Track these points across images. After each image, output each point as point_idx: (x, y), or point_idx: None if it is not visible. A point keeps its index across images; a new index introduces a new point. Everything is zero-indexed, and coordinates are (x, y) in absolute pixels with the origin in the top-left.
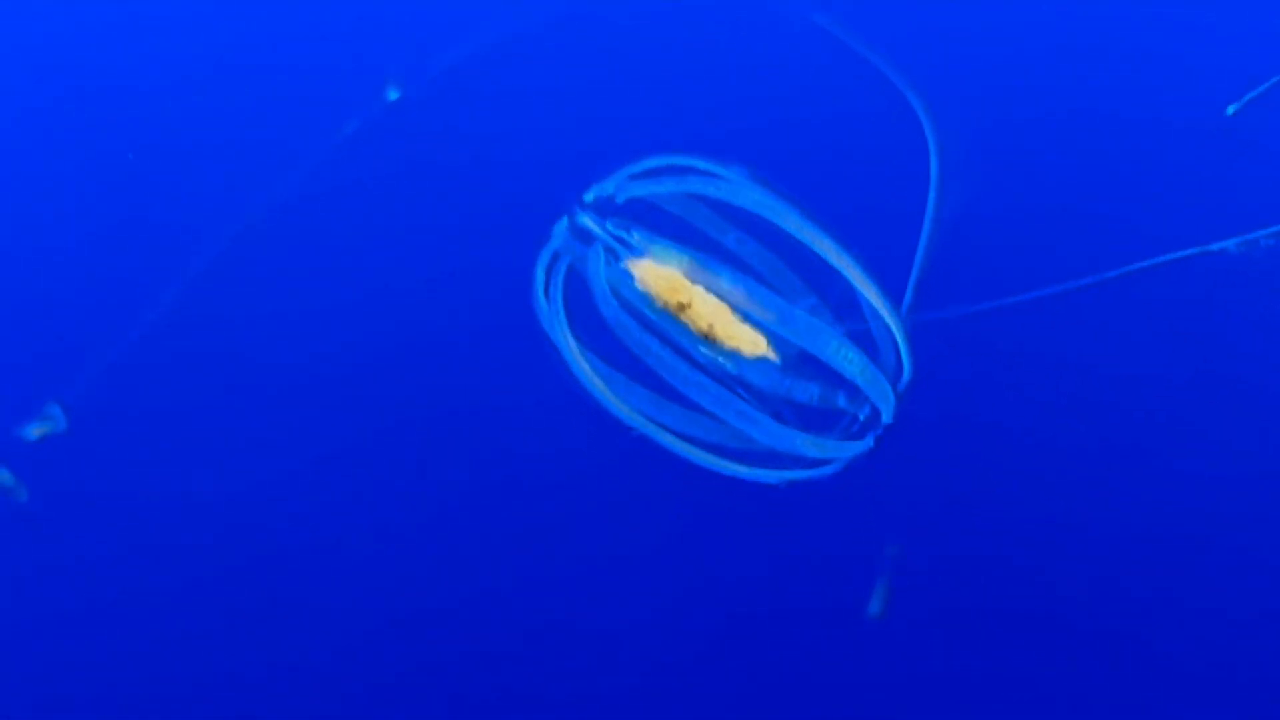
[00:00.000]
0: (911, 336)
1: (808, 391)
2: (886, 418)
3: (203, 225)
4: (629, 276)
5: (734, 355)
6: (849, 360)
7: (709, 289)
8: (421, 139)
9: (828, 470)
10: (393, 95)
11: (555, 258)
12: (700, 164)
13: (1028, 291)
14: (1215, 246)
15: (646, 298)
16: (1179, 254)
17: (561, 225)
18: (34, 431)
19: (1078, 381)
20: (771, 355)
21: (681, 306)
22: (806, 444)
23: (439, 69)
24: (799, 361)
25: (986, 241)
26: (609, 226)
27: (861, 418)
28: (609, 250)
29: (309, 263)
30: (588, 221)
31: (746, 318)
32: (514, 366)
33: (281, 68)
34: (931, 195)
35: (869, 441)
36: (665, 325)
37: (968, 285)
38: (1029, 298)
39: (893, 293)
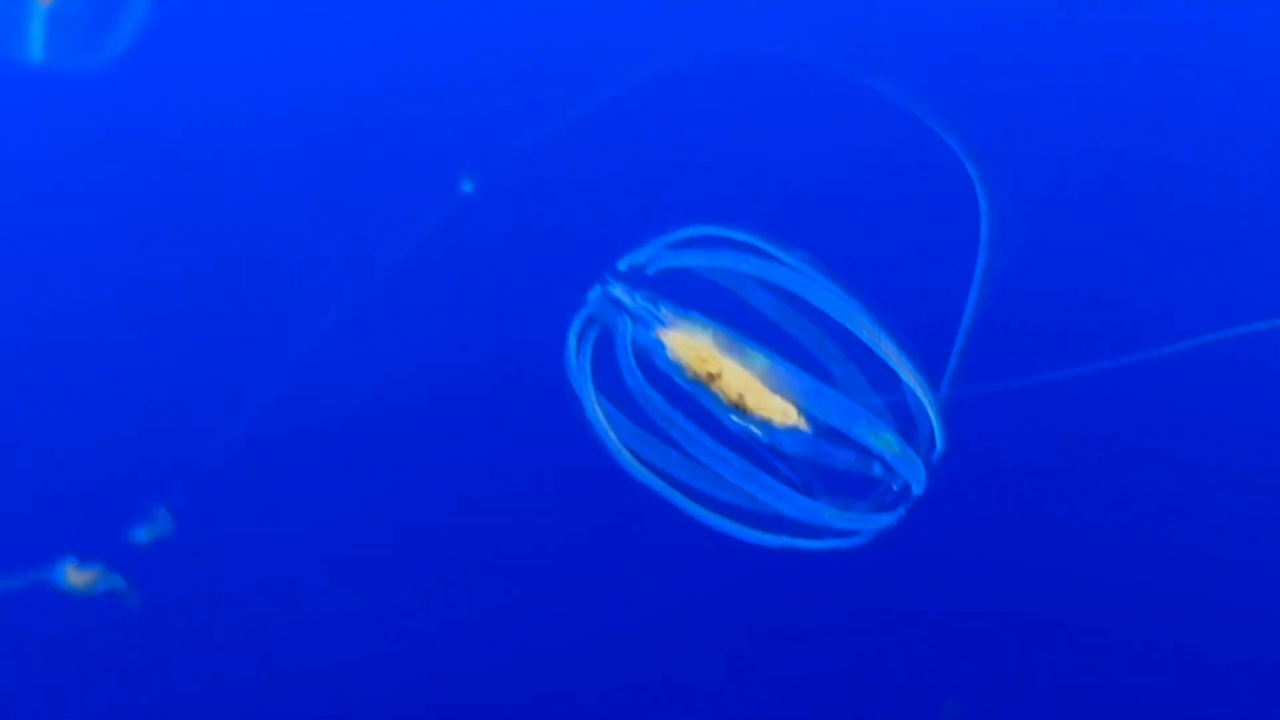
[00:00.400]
0: (948, 409)
1: (843, 459)
2: (917, 490)
3: (280, 331)
4: (661, 346)
5: (765, 424)
6: (879, 438)
7: (739, 360)
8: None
9: (856, 541)
10: (467, 188)
11: (588, 324)
12: (738, 235)
13: (1074, 366)
14: None
15: (678, 367)
16: (1241, 329)
17: (595, 293)
18: (143, 535)
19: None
20: (802, 425)
21: (711, 377)
22: (834, 516)
23: (508, 159)
24: (832, 429)
25: (1032, 313)
26: (638, 297)
27: (895, 488)
28: (639, 320)
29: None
30: (618, 291)
31: (777, 388)
32: (544, 430)
33: (357, 163)
34: (980, 263)
35: (899, 513)
36: (697, 394)
37: (1012, 357)
38: (1073, 373)
39: (932, 363)
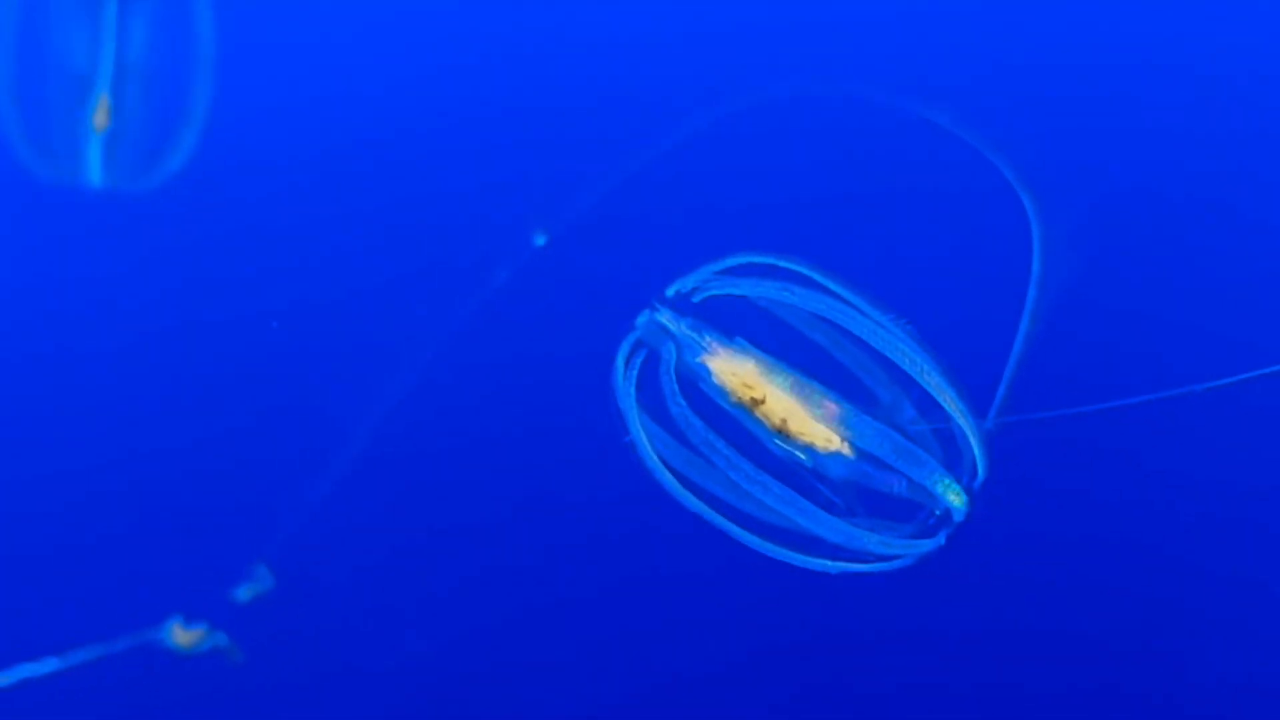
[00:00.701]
0: (993, 437)
1: (885, 484)
2: (959, 516)
3: (351, 398)
4: (707, 371)
5: (809, 449)
6: (923, 466)
7: (783, 387)
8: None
9: (897, 565)
10: (540, 240)
11: (636, 348)
12: (785, 263)
13: (1121, 398)
14: None
15: (723, 392)
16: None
17: (644, 318)
18: (244, 593)
19: (1170, 491)
20: (846, 451)
21: (755, 402)
22: (874, 541)
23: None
24: (875, 455)
25: (1080, 344)
26: (685, 324)
27: (938, 513)
28: (685, 346)
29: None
30: (664, 318)
31: (820, 415)
32: (592, 452)
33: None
34: (1031, 294)
35: (940, 540)
36: (742, 418)
37: (1059, 387)
38: (1114, 405)
39: (977, 391)
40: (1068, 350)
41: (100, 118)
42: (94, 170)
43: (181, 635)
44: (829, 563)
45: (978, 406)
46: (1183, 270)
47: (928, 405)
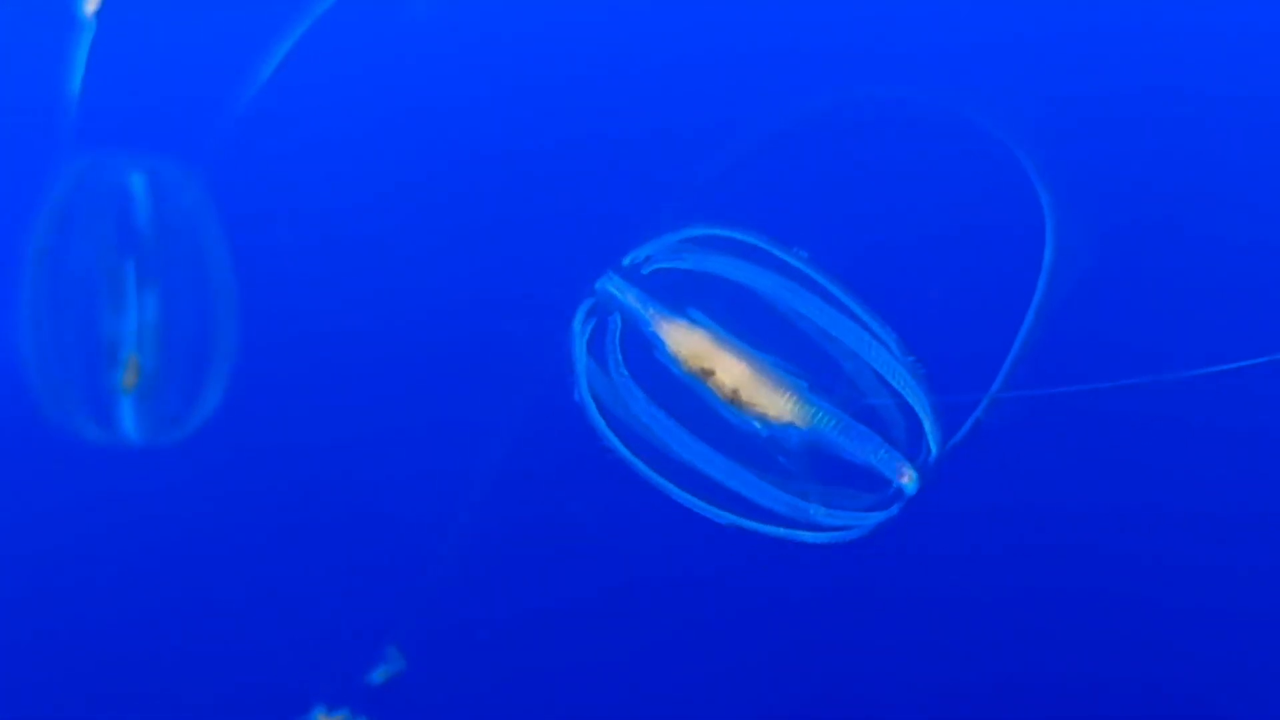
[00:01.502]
0: (942, 412)
1: (840, 456)
2: (910, 491)
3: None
4: (660, 340)
5: (763, 419)
6: (867, 444)
7: (735, 358)
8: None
9: (846, 536)
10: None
11: (592, 315)
12: (747, 237)
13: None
14: None
15: (676, 361)
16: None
17: (601, 284)
18: (378, 676)
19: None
20: (799, 422)
21: (705, 372)
22: (822, 512)
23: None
24: (829, 427)
25: (1084, 330)
26: (637, 293)
27: (890, 487)
28: (639, 314)
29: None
30: (618, 285)
31: (774, 386)
32: (545, 416)
33: None
34: (1041, 283)
35: (891, 512)
36: (696, 387)
37: (1056, 369)
38: (1080, 389)
39: (935, 367)
40: (1071, 335)
41: (129, 377)
42: (128, 428)
43: None
44: (778, 531)
45: (940, 384)
46: (1189, 264)
47: (885, 381)
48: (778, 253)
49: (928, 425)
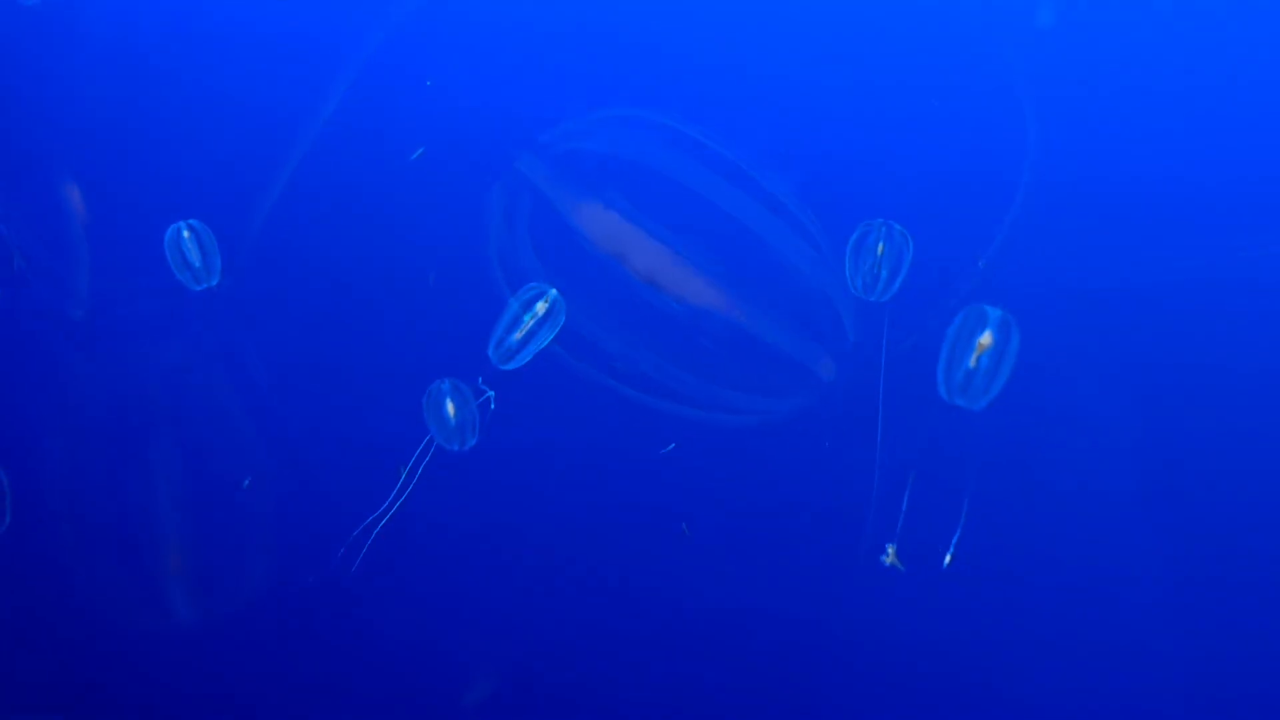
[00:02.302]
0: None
1: (756, 341)
2: (826, 378)
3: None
4: (575, 221)
5: (682, 301)
6: (783, 331)
7: (651, 241)
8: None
9: (747, 420)
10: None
11: (506, 194)
12: (678, 122)
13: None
14: None
15: (591, 243)
16: None
17: (517, 164)
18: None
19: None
20: (717, 306)
21: (620, 257)
22: (731, 396)
23: None
24: (747, 312)
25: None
26: (551, 173)
27: (802, 374)
28: (552, 194)
29: None
30: (532, 164)
31: (693, 270)
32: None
33: None
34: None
35: (799, 401)
36: (614, 269)
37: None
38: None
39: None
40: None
41: (175, 560)
42: (180, 608)
43: None
44: (685, 410)
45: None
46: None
47: (809, 267)
48: (708, 142)
49: (847, 317)
